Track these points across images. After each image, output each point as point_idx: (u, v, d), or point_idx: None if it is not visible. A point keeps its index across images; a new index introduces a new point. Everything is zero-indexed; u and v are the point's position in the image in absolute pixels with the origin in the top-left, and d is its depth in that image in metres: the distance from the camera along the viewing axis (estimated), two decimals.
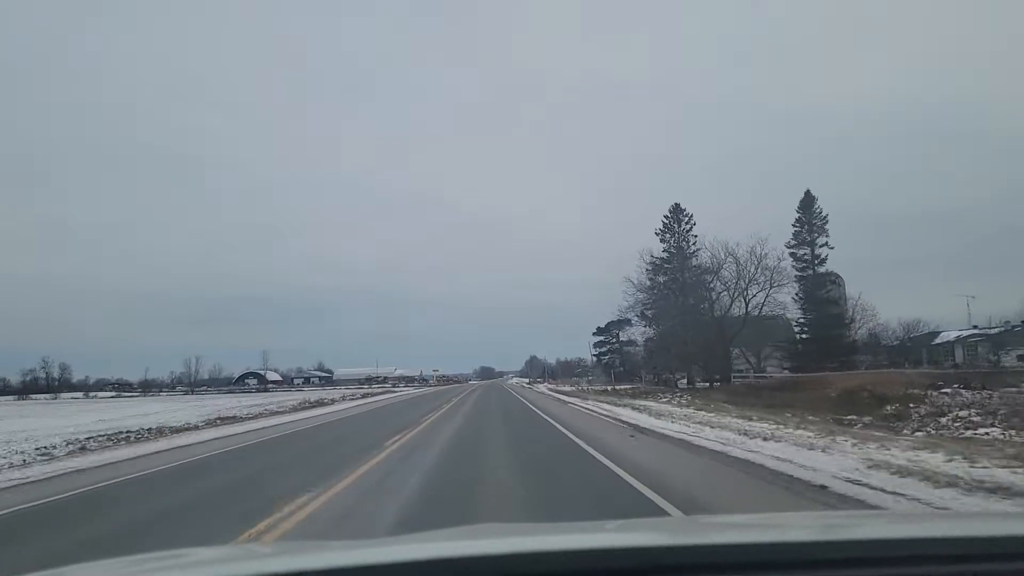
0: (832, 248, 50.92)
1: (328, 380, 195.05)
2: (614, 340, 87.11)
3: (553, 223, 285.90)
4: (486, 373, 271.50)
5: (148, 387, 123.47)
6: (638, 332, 68.19)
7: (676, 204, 55.97)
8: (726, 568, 1.24)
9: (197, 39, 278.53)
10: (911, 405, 19.88)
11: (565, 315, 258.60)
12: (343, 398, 55.51)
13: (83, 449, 16.52)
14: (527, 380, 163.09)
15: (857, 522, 2.20)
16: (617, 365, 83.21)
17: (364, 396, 60.41)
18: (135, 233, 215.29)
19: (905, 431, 15.91)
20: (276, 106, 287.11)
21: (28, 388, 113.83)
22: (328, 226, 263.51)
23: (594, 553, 1.31)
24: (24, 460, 14.43)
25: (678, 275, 53.64)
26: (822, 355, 46.46)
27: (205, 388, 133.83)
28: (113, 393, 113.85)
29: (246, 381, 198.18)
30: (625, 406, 27.80)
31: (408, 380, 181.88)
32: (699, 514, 6.58)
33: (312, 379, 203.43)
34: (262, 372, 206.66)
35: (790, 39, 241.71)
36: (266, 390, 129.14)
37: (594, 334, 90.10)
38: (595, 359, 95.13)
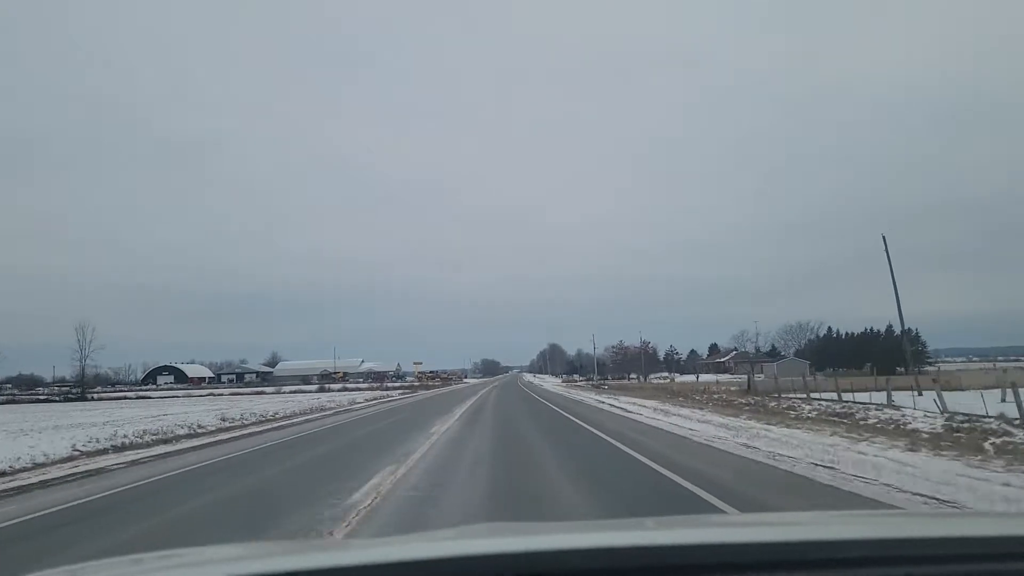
0: None
1: (267, 377, 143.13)
2: None
3: (556, 218, 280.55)
4: (489, 368, 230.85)
5: None
6: None
7: None
8: (750, 567, 1.21)
9: (197, 34, 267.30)
10: None
11: (571, 311, 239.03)
12: None
13: None
14: (559, 379, 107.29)
15: (861, 520, 2.07)
16: None
17: None
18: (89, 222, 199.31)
19: None
20: (270, 97, 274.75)
21: None
22: (319, 220, 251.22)
23: (617, 552, 1.25)
24: None
25: None
26: None
27: None
28: None
29: (158, 378, 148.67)
30: None
31: (377, 377, 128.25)
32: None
33: (246, 376, 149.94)
34: (179, 367, 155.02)
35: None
36: (93, 398, 71.92)
37: None
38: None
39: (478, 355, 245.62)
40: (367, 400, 42.52)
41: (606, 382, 63.59)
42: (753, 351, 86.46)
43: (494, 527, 1.73)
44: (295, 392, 70.33)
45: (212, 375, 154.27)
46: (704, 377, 75.56)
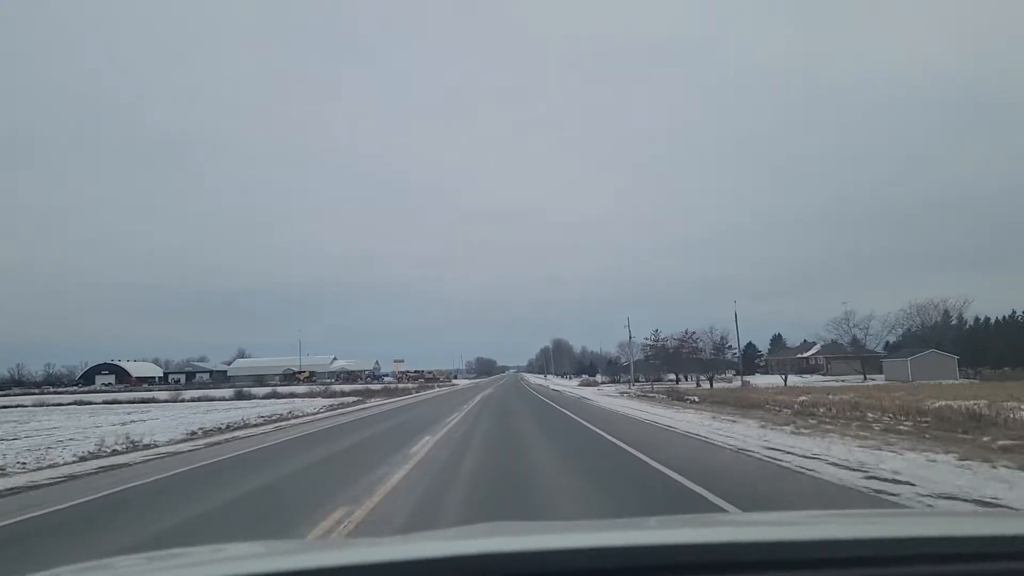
0: None
1: (220, 376, 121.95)
2: None
3: (556, 217, 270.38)
4: (485, 367, 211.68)
5: None
6: None
7: None
8: (750, 567, 1.21)
9: (193, 29, 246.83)
10: None
11: (571, 311, 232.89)
12: None
13: None
14: (574, 381, 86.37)
15: (860, 520, 2.08)
16: None
17: None
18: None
19: None
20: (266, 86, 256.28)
21: None
22: (310, 217, 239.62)
23: (618, 551, 1.25)
24: None
25: None
26: None
27: None
28: None
29: (96, 378, 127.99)
30: None
31: (349, 377, 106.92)
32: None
33: (198, 375, 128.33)
34: (122, 365, 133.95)
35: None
36: None
37: None
38: None
39: (473, 354, 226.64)
40: (189, 437, 20.54)
41: (677, 387, 41.93)
42: (854, 342, 64.81)
43: (495, 527, 1.69)
44: (200, 400, 48.65)
45: (161, 374, 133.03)
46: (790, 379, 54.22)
